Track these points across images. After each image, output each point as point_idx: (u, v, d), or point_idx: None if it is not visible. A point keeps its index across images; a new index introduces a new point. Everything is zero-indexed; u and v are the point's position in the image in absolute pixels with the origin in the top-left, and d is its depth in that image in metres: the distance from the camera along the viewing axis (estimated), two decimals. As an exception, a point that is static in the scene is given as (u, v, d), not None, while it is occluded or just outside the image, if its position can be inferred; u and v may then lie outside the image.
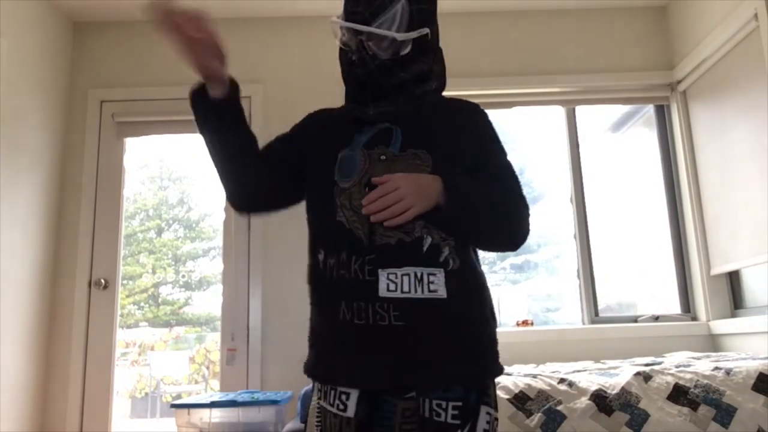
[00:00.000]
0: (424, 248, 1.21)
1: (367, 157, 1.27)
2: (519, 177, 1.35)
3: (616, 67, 3.57)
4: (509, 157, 1.37)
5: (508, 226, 1.31)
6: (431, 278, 1.20)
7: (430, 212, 1.22)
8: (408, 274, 1.19)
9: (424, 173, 1.25)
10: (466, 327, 1.23)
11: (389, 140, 1.28)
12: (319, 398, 1.28)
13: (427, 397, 1.22)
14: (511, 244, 1.34)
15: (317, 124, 1.42)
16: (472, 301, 1.26)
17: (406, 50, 1.31)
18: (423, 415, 1.23)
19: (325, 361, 1.27)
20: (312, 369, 1.30)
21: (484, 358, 1.26)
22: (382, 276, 1.19)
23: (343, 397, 1.23)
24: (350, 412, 1.22)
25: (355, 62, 1.28)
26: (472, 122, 1.36)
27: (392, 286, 1.19)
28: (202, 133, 1.38)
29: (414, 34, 1.30)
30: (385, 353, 1.20)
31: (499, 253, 3.85)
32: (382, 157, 1.27)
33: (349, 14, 1.28)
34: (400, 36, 1.28)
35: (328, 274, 1.25)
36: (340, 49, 1.33)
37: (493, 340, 1.29)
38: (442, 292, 1.20)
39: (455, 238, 1.24)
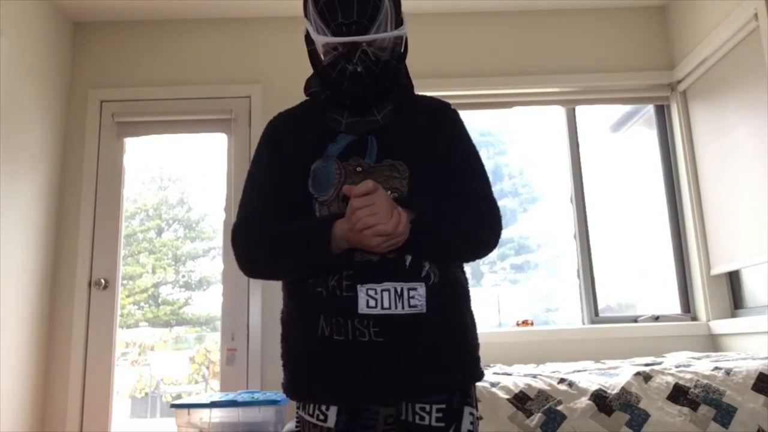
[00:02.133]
0: (407, 263, 1.19)
1: (343, 169, 1.23)
2: (488, 177, 1.33)
3: (616, 67, 3.57)
4: (480, 157, 1.35)
5: (476, 241, 1.27)
6: (412, 293, 1.18)
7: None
8: (388, 290, 1.17)
9: (402, 185, 1.22)
10: (447, 338, 1.22)
11: (364, 150, 1.24)
12: (298, 408, 1.27)
13: (410, 401, 1.21)
14: (482, 254, 1.31)
15: (284, 132, 1.34)
16: (454, 311, 1.25)
17: (402, 47, 1.29)
18: (406, 419, 1.21)
19: (304, 379, 1.25)
20: (291, 388, 1.27)
21: (466, 366, 1.26)
22: (361, 292, 1.17)
23: (323, 407, 1.21)
24: (330, 422, 1.20)
25: (361, 73, 1.20)
26: (445, 124, 1.33)
27: (372, 302, 1.17)
28: (293, 265, 1.23)
29: (406, 28, 1.26)
30: (365, 370, 1.18)
31: (499, 253, 3.85)
32: (358, 169, 1.23)
33: (339, 27, 1.20)
34: (402, 32, 1.25)
35: (306, 291, 1.23)
36: (328, 64, 1.23)
37: (474, 347, 1.28)
38: (422, 307, 1.18)
39: (423, 258, 1.21)
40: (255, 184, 1.33)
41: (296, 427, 1.28)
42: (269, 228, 1.25)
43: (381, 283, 1.17)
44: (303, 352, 1.24)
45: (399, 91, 1.31)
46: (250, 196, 1.32)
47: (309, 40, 1.28)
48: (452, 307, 1.25)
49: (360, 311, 1.16)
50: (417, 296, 1.18)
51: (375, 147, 1.25)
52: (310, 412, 1.22)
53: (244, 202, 1.32)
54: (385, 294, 1.17)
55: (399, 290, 1.18)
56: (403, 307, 1.17)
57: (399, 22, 1.26)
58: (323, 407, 1.21)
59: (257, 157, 1.35)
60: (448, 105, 1.38)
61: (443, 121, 1.33)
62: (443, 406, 1.20)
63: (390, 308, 1.17)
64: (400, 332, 1.17)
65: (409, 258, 1.20)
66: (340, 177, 1.23)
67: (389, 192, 1.21)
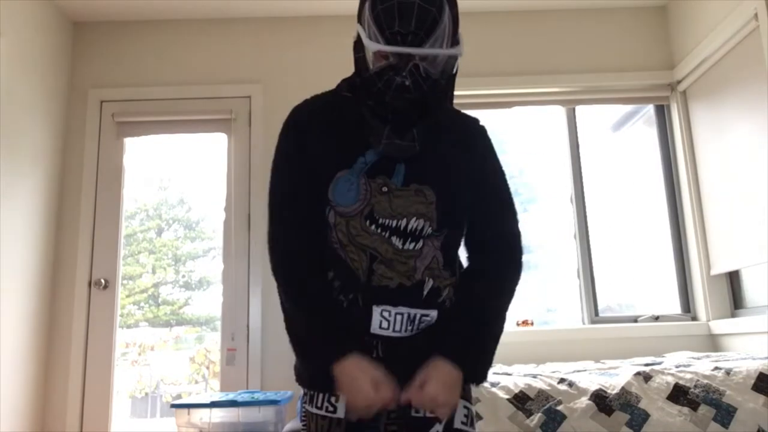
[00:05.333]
0: (425, 293, 1.20)
1: (368, 185, 1.21)
2: (515, 204, 1.33)
3: (616, 67, 3.57)
4: (507, 181, 1.35)
5: (508, 299, 1.32)
6: (423, 319, 1.20)
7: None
8: (402, 314, 1.19)
9: (428, 210, 1.22)
10: None
11: (391, 171, 1.22)
12: (305, 402, 1.27)
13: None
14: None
15: (310, 126, 1.29)
16: None
17: (456, 66, 1.24)
18: (402, 410, 1.22)
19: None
20: (302, 377, 1.28)
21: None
22: (376, 312, 1.18)
23: (333, 399, 1.22)
24: (340, 412, 1.21)
25: (408, 87, 1.14)
26: (476, 146, 1.33)
27: (385, 324, 1.19)
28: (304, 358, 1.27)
29: (462, 47, 1.20)
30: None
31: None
32: (384, 189, 1.21)
33: (394, 35, 1.13)
34: (458, 52, 1.19)
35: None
36: (376, 72, 1.18)
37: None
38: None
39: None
40: (283, 187, 1.28)
41: (302, 425, 1.29)
42: (309, 281, 1.22)
43: (396, 306, 1.19)
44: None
45: (441, 114, 1.28)
46: (280, 200, 1.28)
47: (357, 48, 1.24)
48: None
49: (372, 331, 1.19)
50: (427, 321, 1.21)
51: (402, 171, 1.23)
52: (318, 404, 1.23)
53: (275, 202, 1.28)
54: (399, 317, 1.19)
55: (412, 316, 1.20)
56: (411, 331, 1.20)
57: (455, 41, 1.20)
58: (332, 398, 1.21)
59: (283, 151, 1.30)
60: (477, 123, 1.37)
61: (476, 146, 1.32)
62: None
63: (400, 332, 1.19)
64: (403, 352, 1.19)
65: (428, 286, 1.21)
66: (366, 194, 1.21)
67: (414, 218, 1.21)
